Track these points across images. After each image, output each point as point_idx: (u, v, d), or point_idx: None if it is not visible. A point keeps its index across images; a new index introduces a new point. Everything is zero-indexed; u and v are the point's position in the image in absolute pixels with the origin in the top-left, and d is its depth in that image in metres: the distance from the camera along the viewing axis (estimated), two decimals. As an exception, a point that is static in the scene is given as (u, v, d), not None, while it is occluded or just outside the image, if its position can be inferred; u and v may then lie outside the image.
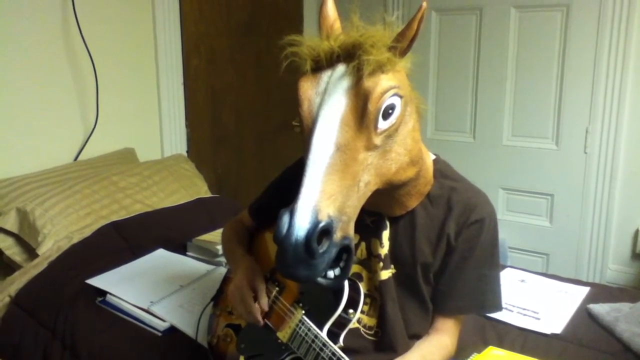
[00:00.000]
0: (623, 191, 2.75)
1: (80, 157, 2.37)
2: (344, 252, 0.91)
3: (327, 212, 0.87)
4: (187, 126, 2.84)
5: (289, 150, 3.28)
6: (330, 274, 0.91)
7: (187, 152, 2.85)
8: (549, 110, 2.83)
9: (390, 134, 0.97)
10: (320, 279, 0.90)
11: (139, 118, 2.64)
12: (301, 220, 0.85)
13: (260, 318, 1.17)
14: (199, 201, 2.42)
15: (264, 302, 1.18)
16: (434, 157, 1.21)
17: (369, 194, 0.97)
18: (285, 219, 0.87)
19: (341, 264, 0.92)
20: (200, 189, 2.58)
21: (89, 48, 2.30)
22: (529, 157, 2.92)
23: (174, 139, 2.78)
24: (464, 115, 3.06)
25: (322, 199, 0.87)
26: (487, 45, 2.93)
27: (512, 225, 3.00)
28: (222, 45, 2.95)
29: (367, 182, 0.96)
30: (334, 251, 0.88)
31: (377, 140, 0.95)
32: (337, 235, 0.89)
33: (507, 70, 2.89)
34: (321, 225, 0.86)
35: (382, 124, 0.95)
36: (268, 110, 3.23)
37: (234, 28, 2.99)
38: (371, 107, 0.93)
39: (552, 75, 2.79)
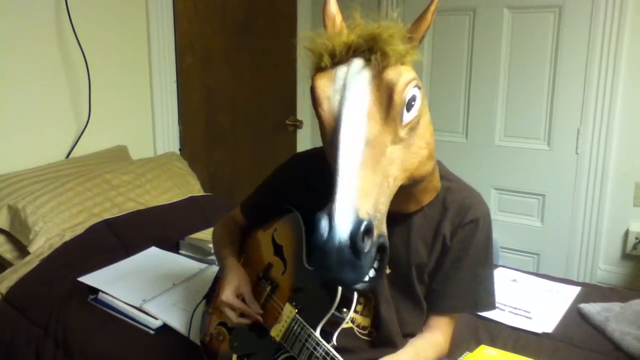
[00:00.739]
0: (614, 192, 2.77)
1: (73, 155, 2.36)
2: (380, 252, 0.87)
3: (366, 210, 0.84)
4: (180, 124, 2.83)
5: (283, 149, 3.28)
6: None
7: (180, 150, 2.84)
8: (541, 110, 2.85)
9: (413, 126, 0.95)
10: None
11: (131, 116, 2.62)
12: (342, 221, 0.81)
13: (257, 316, 1.17)
14: (192, 199, 2.42)
15: (255, 307, 1.19)
16: None
17: (396, 189, 0.94)
18: (324, 222, 0.82)
19: (375, 265, 0.87)
20: (193, 187, 2.58)
21: (81, 45, 2.28)
22: (521, 158, 2.93)
23: (167, 137, 2.77)
24: (457, 115, 3.07)
25: (359, 196, 0.84)
26: (480, 45, 2.94)
27: (503, 225, 3.02)
28: (217, 44, 2.94)
29: (395, 177, 0.93)
30: (374, 250, 0.84)
31: (403, 132, 0.93)
32: (375, 234, 0.85)
33: (499, 70, 2.91)
34: (364, 223, 0.82)
35: (407, 116, 0.93)
36: (263, 110, 3.22)
37: (229, 27, 2.98)
38: (397, 98, 0.91)
39: (544, 76, 2.81)
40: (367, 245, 0.83)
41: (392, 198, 0.93)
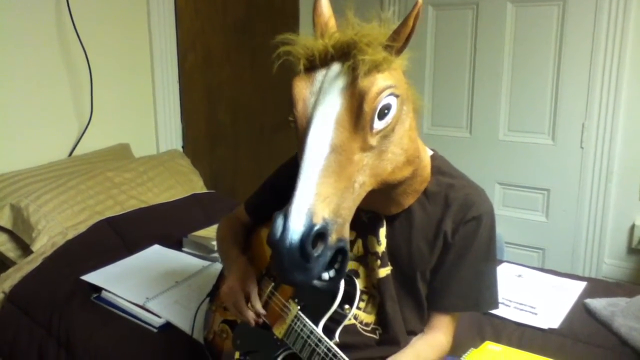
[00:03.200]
0: (619, 186, 2.76)
1: (75, 153, 2.36)
2: (339, 254, 0.89)
3: (322, 215, 0.85)
4: (182, 122, 2.83)
5: (284, 147, 3.27)
6: (325, 275, 0.90)
7: (183, 147, 2.84)
8: (545, 105, 2.83)
9: (386, 134, 0.95)
10: (315, 281, 0.89)
11: (134, 113, 2.62)
12: (295, 224, 0.83)
13: (252, 320, 1.16)
14: (195, 197, 2.42)
15: (258, 305, 1.17)
16: (431, 153, 1.19)
17: (364, 194, 0.96)
18: (279, 221, 0.85)
19: (336, 266, 0.90)
20: (195, 185, 2.57)
21: (83, 44, 2.28)
22: (525, 152, 2.92)
23: (169, 134, 2.77)
24: (461, 110, 3.05)
25: (316, 201, 0.85)
26: (484, 40, 2.92)
27: (508, 220, 3.00)
28: (218, 42, 2.94)
29: (363, 183, 0.94)
30: (328, 254, 0.86)
31: (373, 140, 0.93)
32: (332, 238, 0.86)
33: (503, 65, 2.89)
34: (316, 228, 0.84)
35: (378, 124, 0.93)
36: (264, 108, 3.22)
37: (230, 26, 2.98)
38: (367, 107, 0.91)
39: (548, 70, 2.79)
40: (319, 250, 0.85)
41: (360, 201, 0.95)
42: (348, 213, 0.91)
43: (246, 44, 3.04)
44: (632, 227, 2.75)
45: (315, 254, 0.84)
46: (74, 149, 2.36)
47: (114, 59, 2.48)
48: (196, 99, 2.88)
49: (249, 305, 1.18)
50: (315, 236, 0.84)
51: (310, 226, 0.83)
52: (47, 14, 2.20)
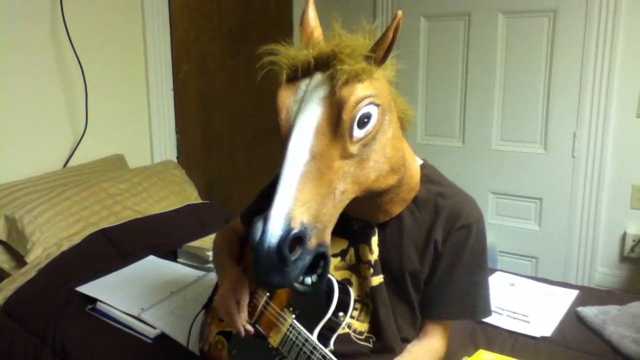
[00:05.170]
0: (610, 194, 2.78)
1: (70, 164, 2.36)
2: (321, 260, 0.92)
3: (301, 220, 0.88)
4: (177, 132, 2.83)
5: (279, 156, 3.27)
6: (308, 280, 0.92)
7: (177, 158, 2.85)
8: (537, 114, 2.86)
9: (367, 142, 0.97)
10: (297, 286, 0.91)
11: (128, 124, 2.63)
12: (274, 228, 0.86)
13: (242, 329, 1.17)
14: (189, 207, 2.42)
15: (244, 314, 1.19)
16: (421, 162, 1.21)
17: (347, 201, 0.98)
18: (259, 225, 0.87)
19: (318, 271, 0.92)
20: (190, 195, 2.58)
21: (77, 54, 2.29)
22: (518, 162, 2.94)
23: (164, 145, 2.77)
24: (453, 120, 3.08)
25: (295, 206, 0.88)
26: (476, 50, 2.95)
27: (501, 229, 3.02)
28: (213, 51, 2.95)
29: (344, 190, 0.96)
30: (307, 258, 0.88)
31: (353, 149, 0.95)
32: (312, 243, 0.89)
33: (495, 75, 2.92)
34: (293, 232, 0.86)
35: (358, 133, 0.95)
36: (259, 117, 3.23)
37: (225, 34, 2.99)
38: (345, 116, 0.93)
39: (539, 80, 2.82)
40: (297, 254, 0.87)
41: (347, 208, 0.98)
42: (328, 219, 0.93)
43: (241, 52, 3.06)
44: (624, 236, 2.77)
45: (293, 258, 0.87)
46: (68, 159, 2.36)
47: (109, 69, 2.49)
48: (191, 108, 2.89)
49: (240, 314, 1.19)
50: (293, 240, 0.87)
51: (287, 230, 0.86)
52: (42, 25, 2.21)
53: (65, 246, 1.94)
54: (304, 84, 0.98)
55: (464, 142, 3.07)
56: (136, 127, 2.67)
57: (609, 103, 2.69)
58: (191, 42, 2.83)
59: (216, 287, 1.43)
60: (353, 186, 0.98)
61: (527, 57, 2.83)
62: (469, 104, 3.02)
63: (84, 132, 2.38)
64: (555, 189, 2.88)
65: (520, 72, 2.86)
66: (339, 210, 0.96)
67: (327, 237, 0.93)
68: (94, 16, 2.40)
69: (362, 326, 1.18)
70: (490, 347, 1.47)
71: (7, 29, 2.10)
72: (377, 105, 0.96)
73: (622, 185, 2.75)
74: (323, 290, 1.05)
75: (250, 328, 1.18)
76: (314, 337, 1.08)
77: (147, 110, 2.69)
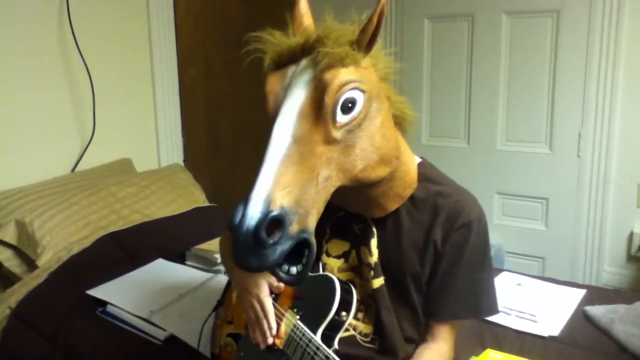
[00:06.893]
0: (616, 194, 2.78)
1: (78, 168, 2.38)
2: (305, 248, 0.90)
3: (280, 203, 0.86)
4: (183, 136, 2.85)
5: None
6: (293, 270, 0.90)
7: (184, 161, 2.86)
8: (542, 114, 2.86)
9: (352, 129, 0.95)
10: (282, 275, 0.90)
11: (135, 128, 2.65)
12: (253, 210, 0.85)
13: (270, 340, 1.12)
14: (197, 210, 2.43)
15: (273, 324, 1.13)
16: (419, 160, 1.19)
17: (332, 189, 0.95)
18: (239, 207, 0.86)
19: (303, 260, 0.90)
20: (197, 198, 2.59)
21: (85, 59, 2.31)
22: (523, 162, 2.94)
23: (171, 148, 2.79)
24: (458, 121, 3.08)
25: (275, 189, 0.87)
26: (480, 51, 2.95)
27: (507, 229, 3.02)
28: (218, 55, 2.97)
29: (328, 177, 0.94)
30: (288, 244, 0.87)
31: (337, 134, 0.94)
32: (293, 228, 0.87)
33: (499, 75, 2.92)
34: (272, 215, 0.85)
35: (342, 118, 0.93)
36: (264, 119, 3.24)
37: (230, 39, 3.01)
38: (328, 99, 0.92)
39: (544, 79, 2.82)
40: (276, 237, 0.85)
41: (329, 196, 0.95)
42: (311, 205, 0.91)
43: (246, 57, 3.07)
44: (631, 235, 2.77)
45: (271, 241, 0.85)
46: (76, 164, 2.38)
47: (116, 74, 2.51)
48: (197, 112, 2.91)
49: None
50: (272, 222, 0.85)
51: (266, 212, 0.85)
52: (49, 31, 2.24)
53: (75, 250, 1.95)
54: (290, 71, 0.97)
55: (469, 142, 3.07)
56: (143, 131, 2.69)
57: (614, 102, 2.69)
58: (197, 47, 2.85)
59: (226, 290, 1.44)
60: (338, 173, 0.95)
61: (531, 57, 2.83)
62: (474, 104, 3.02)
63: (92, 136, 2.40)
64: (561, 188, 2.88)
65: (525, 73, 2.86)
66: (324, 197, 0.94)
67: (311, 224, 0.90)
68: (101, 22, 2.42)
69: (367, 328, 1.18)
70: (498, 347, 1.47)
71: (15, 35, 2.12)
72: (363, 91, 0.95)
73: (628, 184, 2.74)
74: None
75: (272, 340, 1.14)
76: (317, 338, 1.08)
77: (154, 114, 2.71)
